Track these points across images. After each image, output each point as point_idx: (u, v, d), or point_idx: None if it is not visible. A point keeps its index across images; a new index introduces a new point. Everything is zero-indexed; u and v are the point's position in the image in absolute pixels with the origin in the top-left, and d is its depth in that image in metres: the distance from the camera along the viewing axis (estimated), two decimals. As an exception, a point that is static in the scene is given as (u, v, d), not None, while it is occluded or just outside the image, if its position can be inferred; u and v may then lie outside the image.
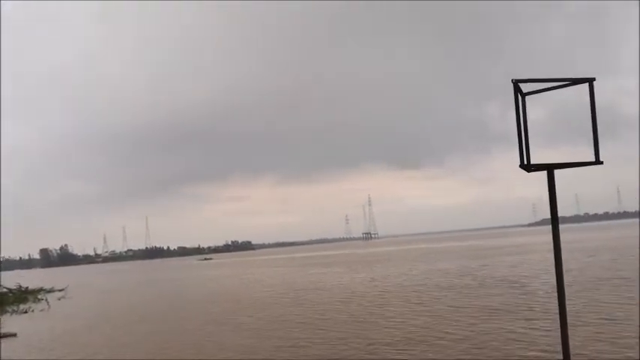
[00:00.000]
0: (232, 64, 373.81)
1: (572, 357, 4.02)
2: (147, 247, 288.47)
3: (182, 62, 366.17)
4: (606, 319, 15.60)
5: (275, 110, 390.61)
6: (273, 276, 50.89)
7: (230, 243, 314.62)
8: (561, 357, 4.01)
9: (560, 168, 3.90)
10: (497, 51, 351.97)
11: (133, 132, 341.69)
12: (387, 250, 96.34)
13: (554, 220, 3.93)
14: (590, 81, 3.68)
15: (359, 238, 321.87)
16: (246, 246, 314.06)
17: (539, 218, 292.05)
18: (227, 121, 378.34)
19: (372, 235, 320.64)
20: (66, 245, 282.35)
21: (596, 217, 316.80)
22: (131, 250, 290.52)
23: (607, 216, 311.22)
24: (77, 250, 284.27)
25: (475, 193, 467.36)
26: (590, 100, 3.70)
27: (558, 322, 4.04)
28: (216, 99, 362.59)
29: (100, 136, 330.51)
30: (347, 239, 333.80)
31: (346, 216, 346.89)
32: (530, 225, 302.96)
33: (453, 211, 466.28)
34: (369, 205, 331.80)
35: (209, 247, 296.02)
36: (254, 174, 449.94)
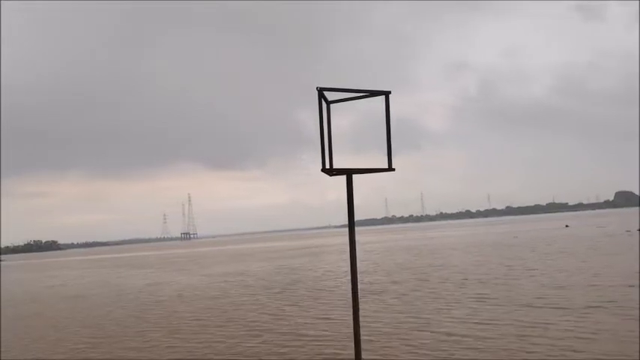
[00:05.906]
0: (35, 54, 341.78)
1: (362, 354, 4.28)
2: None
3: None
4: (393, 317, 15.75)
5: (78, 105, 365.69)
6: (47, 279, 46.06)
7: (32, 242, 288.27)
8: (353, 354, 4.24)
9: (357, 173, 4.14)
10: (317, 60, 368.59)
11: None
12: (197, 252, 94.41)
13: (351, 221, 4.18)
14: (386, 94, 3.99)
15: (177, 239, 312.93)
16: (52, 246, 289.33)
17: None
18: (25, 115, 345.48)
19: (191, 236, 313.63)
20: None
21: (402, 220, 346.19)
22: None
23: (412, 218, 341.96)
24: None
25: (294, 195, 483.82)
26: (386, 111, 4.01)
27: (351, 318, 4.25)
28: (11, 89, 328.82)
29: None
30: (165, 239, 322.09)
31: (164, 215, 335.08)
32: (342, 226, 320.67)
33: (273, 212, 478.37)
34: (189, 204, 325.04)
35: (7, 247, 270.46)
36: (57, 170, 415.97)
